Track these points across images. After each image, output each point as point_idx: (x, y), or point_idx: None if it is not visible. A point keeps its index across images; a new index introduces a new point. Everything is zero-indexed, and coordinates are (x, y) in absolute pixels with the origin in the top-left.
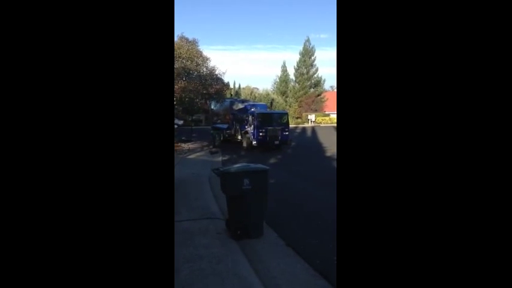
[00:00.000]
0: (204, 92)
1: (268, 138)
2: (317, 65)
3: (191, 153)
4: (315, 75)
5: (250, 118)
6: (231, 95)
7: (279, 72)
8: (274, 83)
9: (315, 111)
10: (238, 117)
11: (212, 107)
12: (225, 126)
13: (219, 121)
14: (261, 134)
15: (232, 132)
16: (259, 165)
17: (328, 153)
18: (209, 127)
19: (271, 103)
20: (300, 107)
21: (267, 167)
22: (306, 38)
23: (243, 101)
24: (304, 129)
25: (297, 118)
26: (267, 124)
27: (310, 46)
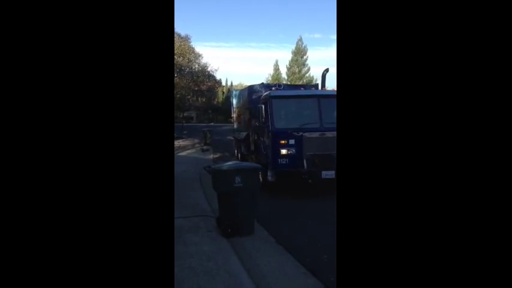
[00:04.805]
0: (196, 88)
1: (306, 164)
2: (309, 65)
3: (182, 151)
4: (307, 75)
5: (261, 115)
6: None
7: (271, 71)
8: (266, 81)
9: None
10: (256, 116)
11: (233, 98)
12: (244, 134)
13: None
14: (283, 152)
15: (247, 145)
16: (251, 164)
17: None
18: (201, 125)
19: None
20: None
21: (259, 166)
22: (299, 37)
23: (268, 86)
24: None
25: None
26: (300, 127)
27: (303, 45)
